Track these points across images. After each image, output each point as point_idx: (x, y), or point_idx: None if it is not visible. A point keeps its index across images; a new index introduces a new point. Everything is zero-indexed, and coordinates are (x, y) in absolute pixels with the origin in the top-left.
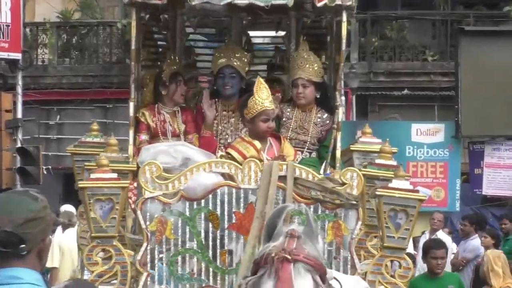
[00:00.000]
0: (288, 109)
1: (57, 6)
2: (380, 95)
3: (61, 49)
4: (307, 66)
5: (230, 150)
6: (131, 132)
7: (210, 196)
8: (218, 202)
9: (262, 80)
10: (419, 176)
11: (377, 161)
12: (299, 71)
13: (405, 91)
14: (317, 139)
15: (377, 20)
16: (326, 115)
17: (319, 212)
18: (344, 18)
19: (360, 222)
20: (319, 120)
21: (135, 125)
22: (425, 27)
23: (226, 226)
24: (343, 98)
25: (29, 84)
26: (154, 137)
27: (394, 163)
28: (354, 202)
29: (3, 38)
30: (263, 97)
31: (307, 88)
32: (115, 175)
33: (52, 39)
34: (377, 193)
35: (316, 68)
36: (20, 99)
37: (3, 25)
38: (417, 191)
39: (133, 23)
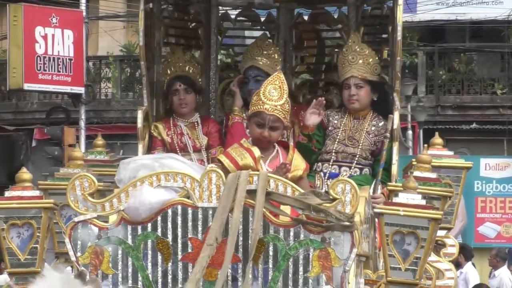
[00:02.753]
0: (337, 116)
1: (120, 40)
2: (448, 129)
3: (124, 82)
4: (360, 62)
5: (221, 157)
6: (140, 147)
7: (159, 218)
8: (169, 226)
9: (281, 76)
10: (487, 211)
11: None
12: (350, 68)
13: (474, 125)
14: (370, 152)
15: (445, 53)
16: (383, 122)
17: (301, 236)
18: (400, 1)
19: (355, 250)
20: (373, 128)
21: (150, 142)
22: (493, 59)
23: (179, 257)
24: (397, 101)
25: (92, 118)
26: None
27: (433, 175)
28: (347, 223)
29: (66, 72)
30: (268, 96)
31: (362, 88)
32: (37, 193)
33: (116, 73)
34: (376, 210)
35: (371, 64)
36: (83, 133)
37: (66, 59)
38: (431, 207)
39: (141, 13)
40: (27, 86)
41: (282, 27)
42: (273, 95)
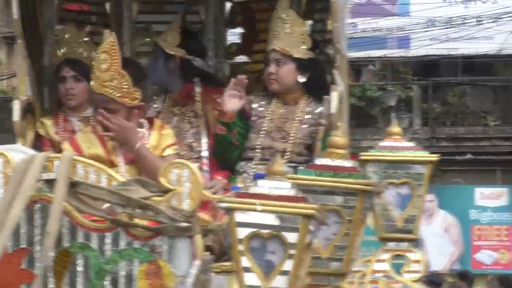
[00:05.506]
0: (262, 102)
1: None
2: (443, 160)
3: None
4: (284, 32)
5: (64, 144)
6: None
7: None
8: None
9: (111, 40)
10: (483, 239)
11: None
12: (273, 40)
13: (468, 156)
14: (305, 146)
15: (438, 87)
16: (320, 108)
17: (122, 244)
18: None
19: (197, 262)
20: (308, 116)
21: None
22: (485, 92)
23: None
24: (338, 79)
25: None
26: None
27: (349, 164)
28: (185, 224)
29: None
30: (98, 68)
31: (283, 66)
32: None
33: None
34: (222, 205)
35: (297, 35)
36: None
37: None
38: (302, 199)
39: None
40: None
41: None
42: (102, 67)
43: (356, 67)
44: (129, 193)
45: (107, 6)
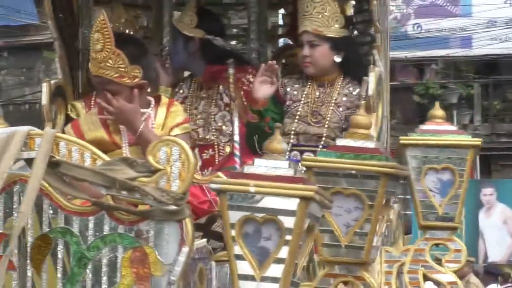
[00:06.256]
0: (297, 85)
1: None
2: (502, 155)
3: None
4: (315, 11)
5: (67, 127)
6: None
7: None
8: None
9: (101, 17)
10: None
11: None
12: (304, 21)
13: None
14: (340, 130)
15: (499, 85)
16: (358, 89)
17: (106, 229)
18: None
19: (186, 249)
20: (344, 99)
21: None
22: None
23: None
24: (378, 60)
25: None
26: None
27: (371, 145)
28: (174, 208)
29: None
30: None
31: (317, 47)
32: None
33: None
34: (213, 186)
35: (330, 15)
36: None
37: None
38: (302, 180)
39: None
40: None
41: None
42: (97, 48)
43: (420, 66)
44: (114, 174)
45: None
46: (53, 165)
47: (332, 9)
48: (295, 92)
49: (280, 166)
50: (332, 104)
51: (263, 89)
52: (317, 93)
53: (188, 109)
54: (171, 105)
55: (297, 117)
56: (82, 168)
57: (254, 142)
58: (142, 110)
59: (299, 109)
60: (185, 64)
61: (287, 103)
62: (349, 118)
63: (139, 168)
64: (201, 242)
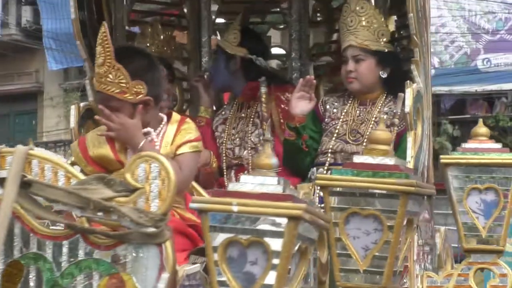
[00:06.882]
0: (336, 103)
1: None
2: None
3: None
4: (361, 25)
5: (73, 145)
6: None
7: None
8: None
9: (102, 29)
10: None
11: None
12: (348, 35)
13: None
14: None
15: None
16: (400, 108)
17: (80, 254)
18: None
19: (165, 275)
20: (385, 116)
21: None
22: None
23: None
24: (416, 76)
25: None
26: None
27: (391, 161)
28: (153, 230)
29: None
30: (96, 63)
31: (362, 62)
32: None
33: None
34: (192, 205)
35: (377, 28)
36: None
37: None
38: (291, 197)
39: None
40: None
41: None
42: (99, 61)
43: (490, 100)
44: (88, 193)
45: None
46: (25, 185)
47: (378, 22)
48: (335, 110)
49: (268, 183)
50: (372, 122)
51: (300, 105)
52: (358, 112)
53: (227, 129)
54: (183, 123)
55: (335, 135)
56: (54, 187)
57: (291, 161)
58: (144, 130)
59: (338, 127)
60: (226, 83)
61: (326, 120)
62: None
63: (116, 187)
64: (194, 267)
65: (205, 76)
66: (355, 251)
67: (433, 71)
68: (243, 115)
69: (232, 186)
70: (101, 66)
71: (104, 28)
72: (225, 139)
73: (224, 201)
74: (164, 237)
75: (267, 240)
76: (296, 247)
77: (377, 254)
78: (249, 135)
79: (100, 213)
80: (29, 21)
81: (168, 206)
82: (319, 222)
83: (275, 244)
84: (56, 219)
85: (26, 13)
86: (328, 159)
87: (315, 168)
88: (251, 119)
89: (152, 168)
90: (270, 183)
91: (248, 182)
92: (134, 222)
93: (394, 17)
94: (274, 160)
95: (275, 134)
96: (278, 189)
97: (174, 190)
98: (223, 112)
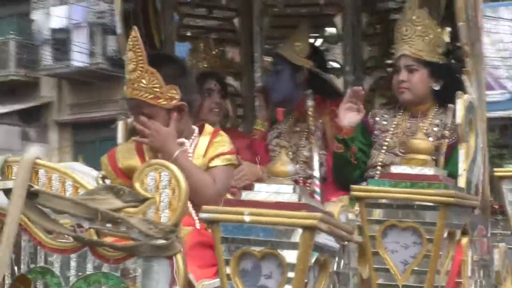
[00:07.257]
0: (386, 116)
1: None
2: None
3: None
4: (416, 35)
5: (104, 157)
6: None
7: None
8: None
9: (133, 33)
10: None
11: None
12: (402, 44)
13: None
14: None
15: None
16: (451, 120)
17: (89, 268)
18: None
19: None
20: (435, 129)
21: None
22: None
23: None
24: (468, 86)
25: None
26: None
27: (430, 171)
28: (163, 242)
29: None
30: (127, 71)
31: (415, 72)
32: None
33: None
34: (202, 215)
35: (432, 39)
36: None
37: None
38: (306, 206)
39: None
40: None
41: (348, 9)
42: (130, 68)
43: None
44: (96, 204)
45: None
46: (32, 196)
47: (434, 33)
48: (385, 122)
49: (283, 191)
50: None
51: (348, 116)
52: (408, 124)
53: (281, 143)
54: (216, 135)
55: (384, 147)
56: (62, 198)
57: (340, 174)
58: (179, 140)
59: (387, 139)
60: (289, 95)
61: (375, 133)
62: (437, 148)
63: (125, 197)
64: (213, 282)
65: (264, 89)
66: (394, 265)
67: (508, 95)
68: (297, 129)
69: (245, 195)
70: (132, 72)
71: (135, 32)
72: (277, 152)
73: (235, 210)
74: (175, 249)
75: (282, 252)
76: (313, 259)
77: (416, 268)
78: (301, 149)
79: (108, 225)
80: (115, 50)
81: (179, 217)
82: (339, 233)
83: (290, 256)
84: (63, 230)
85: (112, 43)
86: (377, 173)
87: (365, 183)
88: (305, 133)
89: (162, 177)
90: (286, 191)
91: (262, 191)
92: (144, 234)
93: (449, 28)
94: (290, 167)
95: (328, 148)
96: (293, 198)
97: (185, 199)
98: (278, 126)
